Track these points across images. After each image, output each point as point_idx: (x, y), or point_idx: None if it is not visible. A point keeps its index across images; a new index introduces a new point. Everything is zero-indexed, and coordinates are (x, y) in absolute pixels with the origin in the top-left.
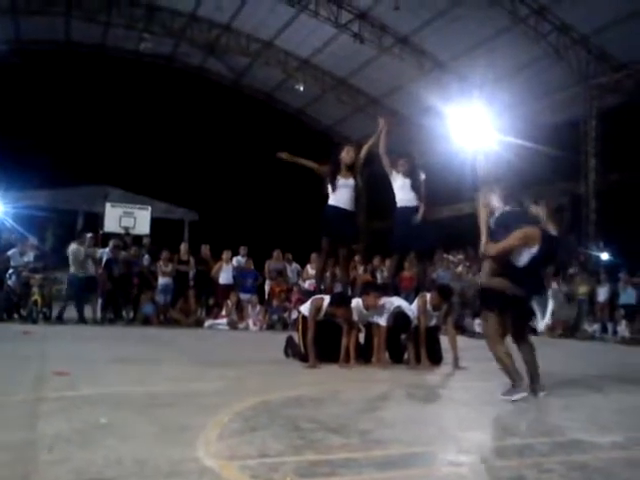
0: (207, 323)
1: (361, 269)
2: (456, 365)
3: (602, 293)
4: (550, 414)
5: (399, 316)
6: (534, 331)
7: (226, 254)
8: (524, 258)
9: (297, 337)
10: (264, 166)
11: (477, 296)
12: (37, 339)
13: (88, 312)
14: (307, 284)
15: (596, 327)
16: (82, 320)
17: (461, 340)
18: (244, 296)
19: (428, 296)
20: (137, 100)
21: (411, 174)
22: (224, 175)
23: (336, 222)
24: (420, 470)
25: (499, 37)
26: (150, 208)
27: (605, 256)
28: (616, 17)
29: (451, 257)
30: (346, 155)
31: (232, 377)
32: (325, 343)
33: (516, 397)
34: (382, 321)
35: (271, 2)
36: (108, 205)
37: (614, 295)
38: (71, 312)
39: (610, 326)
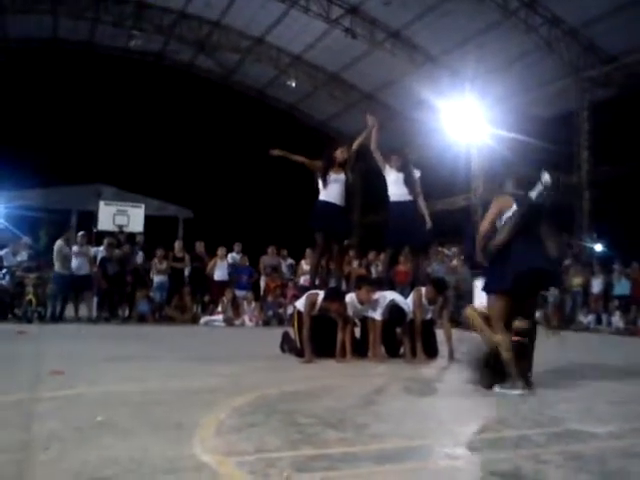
0: (203, 320)
1: (356, 263)
2: (451, 357)
3: (596, 284)
4: (546, 405)
5: (394, 309)
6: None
7: (221, 251)
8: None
9: (293, 332)
10: (257, 163)
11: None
12: (32, 338)
13: (83, 311)
14: (302, 280)
15: (591, 318)
16: (59, 319)
17: (457, 333)
18: (239, 292)
19: (423, 290)
20: (129, 98)
21: (404, 169)
22: (217, 172)
23: (327, 217)
24: (417, 463)
25: (490, 30)
26: (144, 206)
27: (599, 247)
28: (606, 9)
29: (446, 250)
30: (340, 155)
31: (228, 373)
32: (321, 338)
33: (510, 392)
34: (377, 315)
35: None
36: (101, 203)
37: (608, 286)
38: (68, 311)
39: (605, 317)
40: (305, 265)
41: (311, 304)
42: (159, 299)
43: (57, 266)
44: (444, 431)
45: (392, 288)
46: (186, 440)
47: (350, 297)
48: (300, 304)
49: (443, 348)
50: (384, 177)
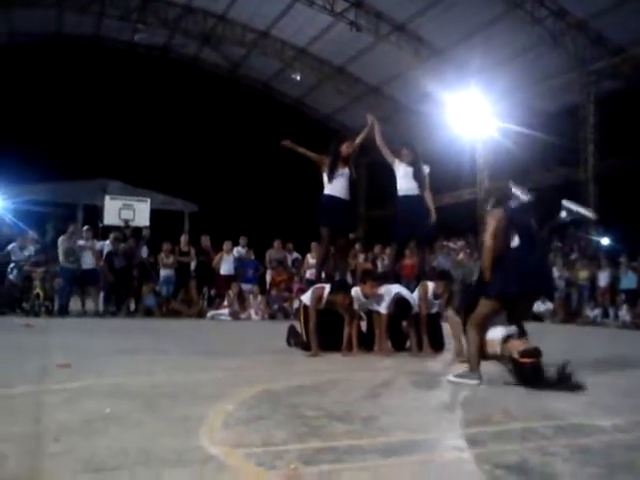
0: (209, 314)
1: (362, 257)
2: (459, 355)
3: (603, 278)
4: (552, 398)
5: (400, 302)
6: (539, 318)
7: (227, 245)
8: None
9: (299, 326)
10: (263, 156)
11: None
12: (39, 332)
13: (90, 305)
14: (308, 273)
15: (597, 312)
16: (64, 312)
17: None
18: (245, 286)
19: (429, 284)
20: (134, 92)
21: (414, 163)
22: (223, 166)
23: (333, 211)
24: (423, 456)
25: (496, 23)
26: (149, 200)
27: (605, 241)
28: (613, 1)
29: (451, 244)
30: (346, 149)
31: (235, 367)
32: (327, 332)
33: (467, 382)
34: (383, 309)
35: None
36: (107, 198)
37: (615, 280)
38: (76, 305)
39: (611, 311)
40: (311, 259)
41: (317, 298)
42: (166, 293)
43: (62, 260)
44: (450, 424)
45: (398, 282)
46: (194, 432)
47: (355, 291)
48: (306, 298)
49: (449, 341)
50: (390, 171)
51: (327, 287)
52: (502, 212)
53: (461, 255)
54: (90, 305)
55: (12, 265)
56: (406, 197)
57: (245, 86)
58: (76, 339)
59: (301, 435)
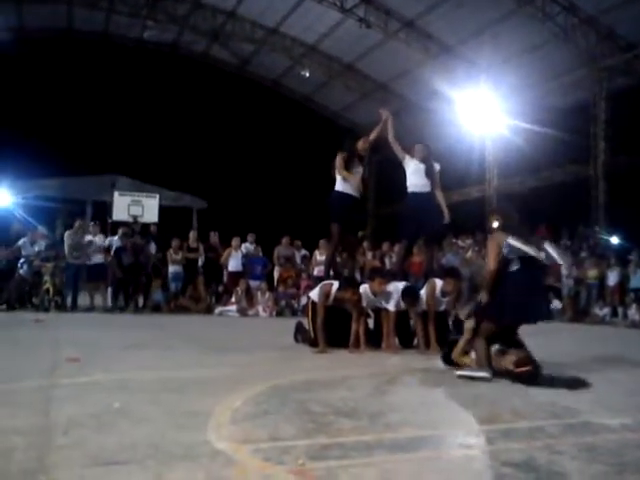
0: (217, 310)
1: (370, 255)
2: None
3: (612, 277)
4: (560, 397)
5: (407, 291)
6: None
7: (235, 241)
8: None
9: (307, 323)
10: (271, 153)
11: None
12: (49, 326)
13: (98, 300)
14: (316, 270)
15: (606, 311)
16: (73, 307)
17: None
18: (253, 283)
19: (437, 282)
20: (143, 88)
21: (426, 160)
22: (232, 163)
23: (346, 209)
24: (430, 453)
25: (506, 20)
26: (158, 196)
27: (615, 239)
28: None
29: (460, 242)
30: (362, 145)
31: (243, 363)
32: (335, 329)
33: (477, 374)
34: (390, 306)
35: None
36: (116, 194)
37: (624, 279)
38: (84, 300)
39: (620, 310)
40: (318, 256)
41: (325, 294)
42: (174, 289)
43: (67, 255)
44: (457, 421)
45: (406, 279)
46: (201, 427)
47: (364, 288)
48: (314, 294)
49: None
50: (400, 168)
51: (335, 284)
52: (506, 237)
53: (469, 253)
54: (98, 300)
55: (22, 260)
56: (415, 194)
57: (254, 83)
58: (85, 334)
59: (308, 431)
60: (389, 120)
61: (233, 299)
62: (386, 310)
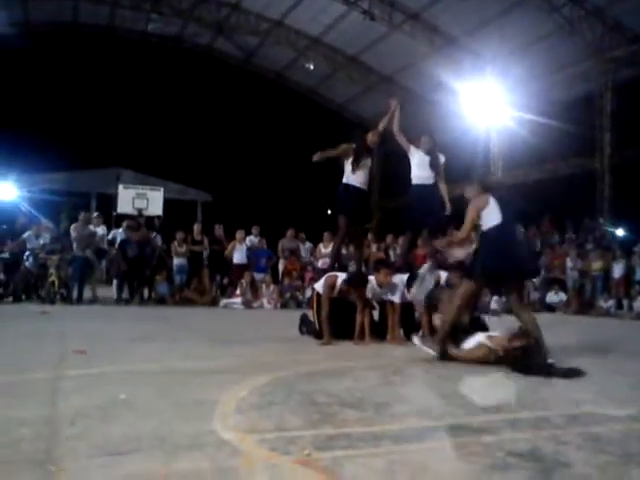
0: (222, 302)
1: (374, 247)
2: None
3: (617, 269)
4: (565, 388)
5: (411, 277)
6: (552, 308)
7: (239, 234)
8: (490, 218)
9: (311, 314)
10: (276, 146)
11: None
12: (55, 319)
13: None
14: (320, 263)
15: (611, 303)
16: (79, 300)
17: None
18: (258, 275)
19: (442, 274)
20: (148, 82)
21: (431, 152)
22: (236, 155)
23: (353, 201)
24: (435, 443)
25: (511, 11)
26: (163, 189)
27: (620, 232)
28: None
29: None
30: (372, 137)
31: (247, 354)
32: (339, 320)
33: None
34: (396, 298)
35: None
36: (121, 187)
37: (630, 271)
38: (88, 292)
39: (625, 302)
40: (323, 248)
41: (330, 286)
42: (179, 282)
43: (75, 249)
44: (463, 411)
45: (411, 271)
46: (207, 418)
47: (369, 280)
48: (319, 286)
49: None
50: (405, 160)
51: (340, 275)
52: (488, 197)
53: (474, 246)
54: (99, 293)
55: (27, 253)
56: (420, 186)
57: (258, 75)
58: (91, 326)
59: (314, 421)
60: (397, 111)
61: (238, 291)
62: (391, 302)
